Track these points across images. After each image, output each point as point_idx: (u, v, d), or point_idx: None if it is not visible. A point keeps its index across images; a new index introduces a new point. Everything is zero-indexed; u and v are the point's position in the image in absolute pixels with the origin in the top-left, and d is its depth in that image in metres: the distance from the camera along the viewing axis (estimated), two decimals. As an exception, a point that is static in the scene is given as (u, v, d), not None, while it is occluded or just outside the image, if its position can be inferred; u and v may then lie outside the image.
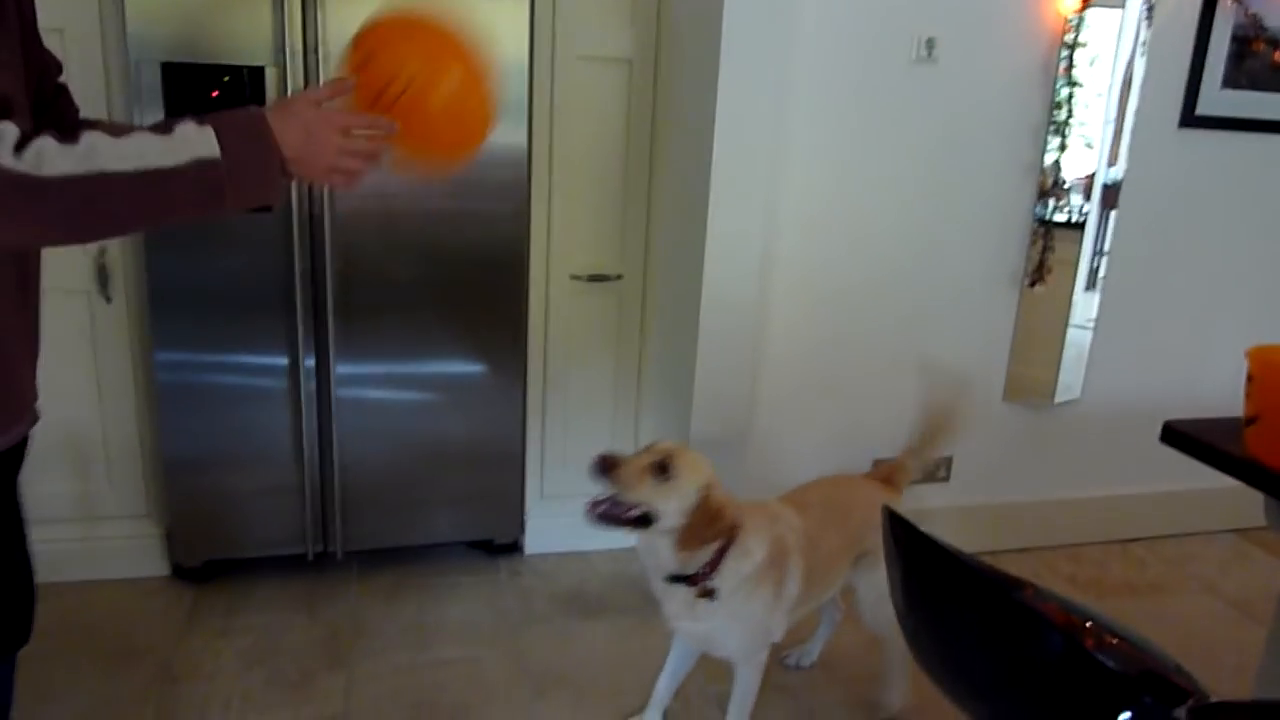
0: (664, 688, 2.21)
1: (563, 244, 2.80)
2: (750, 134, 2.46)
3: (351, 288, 2.56)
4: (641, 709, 2.25)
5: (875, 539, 2.11)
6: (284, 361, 2.58)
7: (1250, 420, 1.49)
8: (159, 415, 2.56)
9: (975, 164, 2.80)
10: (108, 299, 2.53)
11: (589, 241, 2.83)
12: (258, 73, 2.38)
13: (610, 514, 1.81)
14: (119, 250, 2.51)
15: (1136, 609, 2.93)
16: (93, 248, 2.48)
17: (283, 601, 2.67)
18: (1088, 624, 1.50)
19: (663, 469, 1.81)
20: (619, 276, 2.86)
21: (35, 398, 1.35)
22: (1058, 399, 3.10)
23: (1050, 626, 1.30)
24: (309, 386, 2.60)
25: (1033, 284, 2.92)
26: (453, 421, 2.76)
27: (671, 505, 1.80)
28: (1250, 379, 1.48)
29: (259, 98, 2.38)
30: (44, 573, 2.68)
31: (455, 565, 2.90)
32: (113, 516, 2.71)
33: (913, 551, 1.46)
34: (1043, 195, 2.87)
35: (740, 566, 1.90)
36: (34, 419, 1.35)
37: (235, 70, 2.36)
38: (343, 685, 2.33)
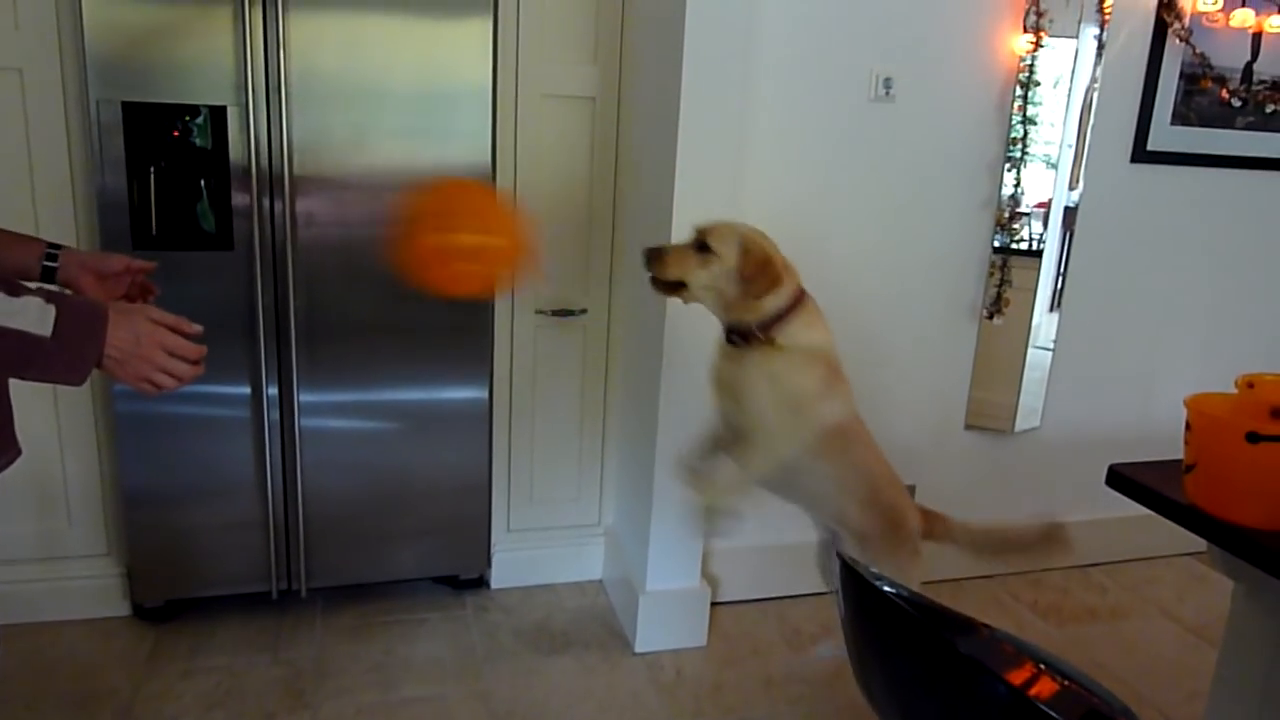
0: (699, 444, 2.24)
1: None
2: (710, 170, 2.48)
3: (315, 317, 2.56)
4: None
5: (883, 506, 2.13)
6: (246, 391, 2.57)
7: (1189, 468, 1.53)
8: (117, 449, 2.54)
9: (933, 199, 2.85)
10: (67, 337, 2.51)
11: (554, 276, 2.85)
12: (220, 111, 2.38)
13: (662, 284, 2.03)
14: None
15: (1097, 635, 2.97)
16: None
17: (245, 641, 2.64)
18: (1037, 667, 1.53)
19: (702, 247, 1.96)
20: (583, 311, 2.88)
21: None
22: (1018, 426, 3.15)
23: (995, 677, 1.32)
24: (272, 416, 2.59)
25: (990, 316, 2.97)
26: (418, 454, 2.76)
27: (714, 271, 1.95)
28: (1188, 428, 1.51)
29: (221, 137, 2.38)
30: (4, 614, 2.67)
31: (421, 601, 2.89)
32: (73, 556, 2.68)
33: (861, 597, 1.48)
34: (999, 226, 2.93)
35: (802, 334, 1.98)
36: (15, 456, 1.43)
37: (195, 110, 2.36)
38: (306, 727, 2.32)
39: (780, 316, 1.97)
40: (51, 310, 1.14)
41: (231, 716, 2.33)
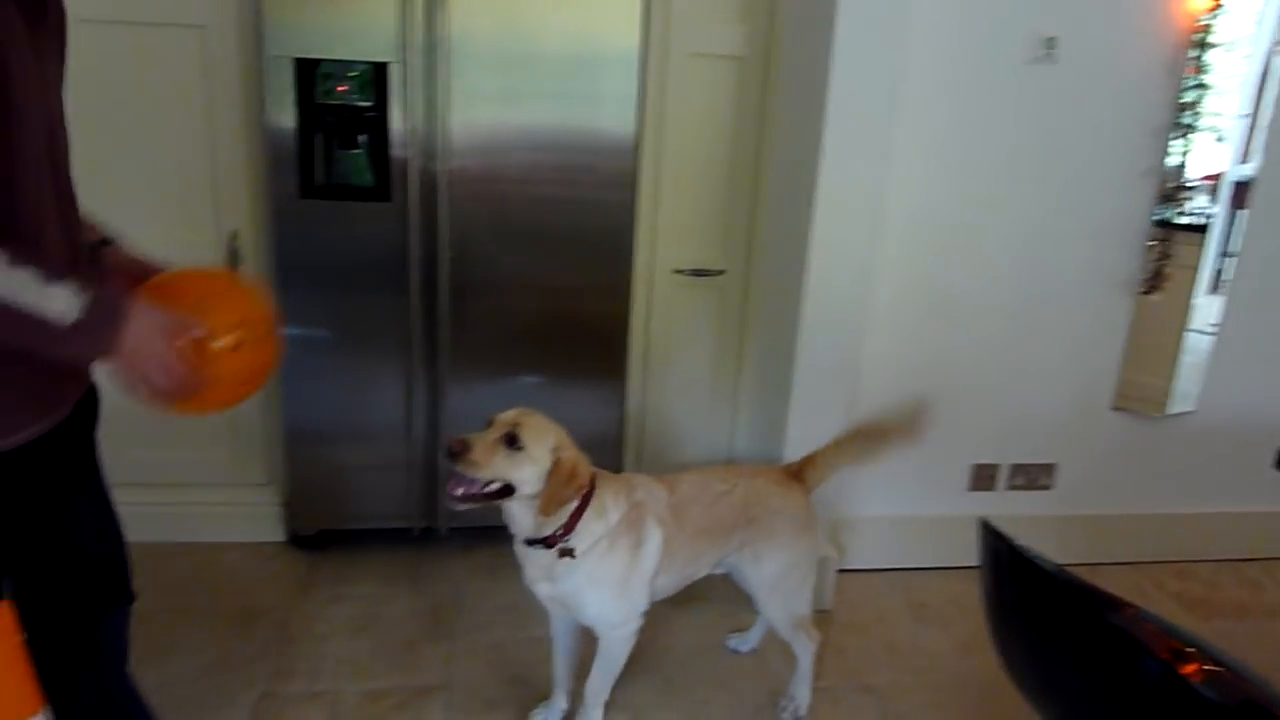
0: (560, 669, 2.22)
1: (667, 237, 2.84)
2: (859, 134, 2.44)
3: (464, 271, 2.66)
4: (735, 691, 2.33)
5: (758, 528, 2.14)
6: (398, 342, 2.70)
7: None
8: (283, 389, 2.71)
9: (1092, 167, 2.73)
10: (238, 280, 2.69)
11: (693, 236, 2.87)
12: (382, 69, 2.48)
13: (471, 494, 1.83)
14: (249, 232, 2.66)
15: (1247, 632, 2.82)
16: (225, 229, 2.64)
17: (389, 573, 2.80)
18: (1188, 649, 1.47)
19: (512, 440, 1.82)
20: (721, 272, 2.89)
21: (81, 382, 1.45)
22: (1172, 409, 3.00)
23: (1146, 652, 1.29)
24: (420, 367, 2.72)
25: (1148, 291, 2.83)
26: (554, 407, 2.80)
27: (526, 473, 1.83)
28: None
29: (383, 94, 2.49)
30: (170, 533, 2.90)
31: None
32: (237, 484, 2.89)
33: (1006, 565, 1.46)
34: (1163, 198, 2.78)
35: (595, 526, 1.92)
36: (82, 392, 1.44)
37: (360, 66, 2.47)
38: (443, 656, 2.44)
39: (576, 516, 1.90)
40: (78, 303, 1.15)
41: (376, 640, 2.48)
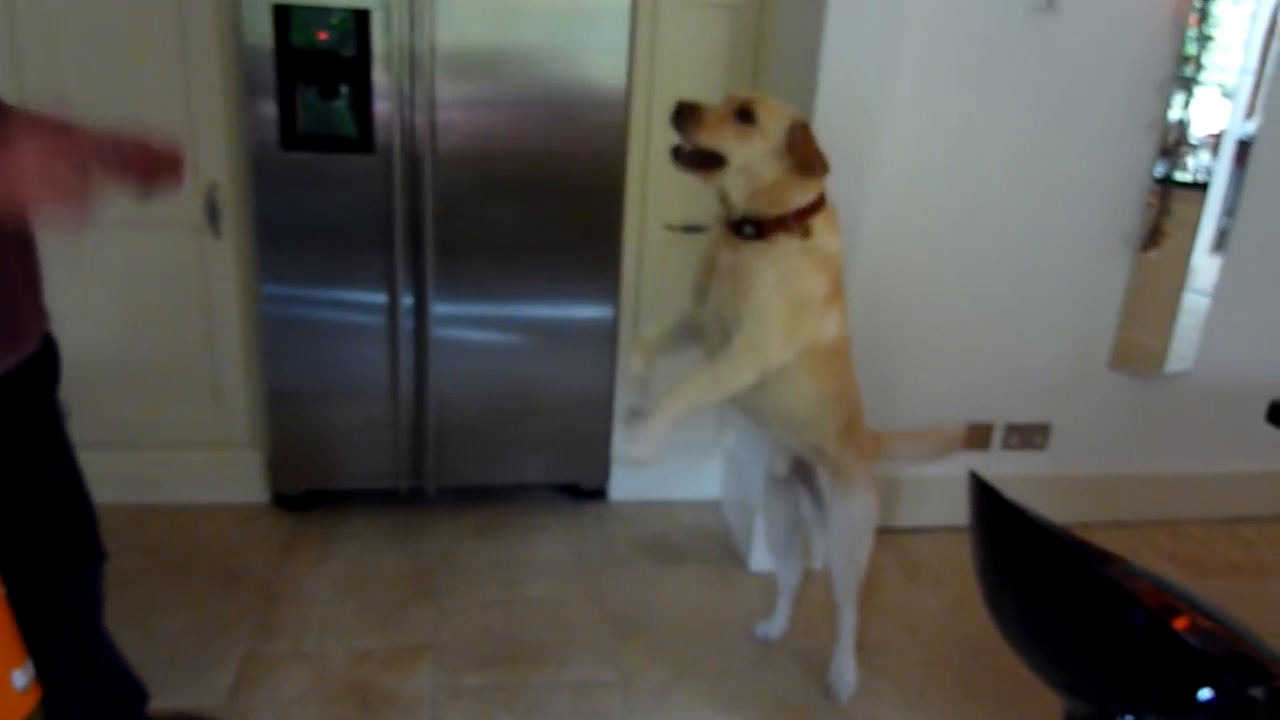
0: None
1: (658, 192, 2.78)
2: (855, 85, 2.38)
3: (450, 227, 2.60)
4: (725, 650, 2.31)
5: (855, 433, 2.05)
6: (384, 299, 2.64)
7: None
8: (264, 347, 2.66)
9: (1092, 120, 2.66)
10: (217, 234, 2.63)
11: (685, 191, 2.80)
12: (364, 15, 2.40)
13: (691, 157, 1.78)
14: (228, 185, 2.59)
15: (1240, 591, 2.81)
16: (203, 182, 2.57)
17: (376, 533, 2.77)
18: (1178, 603, 1.45)
19: (745, 115, 1.75)
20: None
21: (41, 321, 1.43)
22: (1168, 368, 2.97)
23: (1135, 601, 1.27)
24: (406, 324, 2.66)
25: (1146, 248, 2.78)
26: (544, 365, 2.79)
27: (753, 147, 1.76)
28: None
29: (365, 41, 2.41)
30: (153, 494, 2.87)
31: (542, 507, 2.96)
32: (219, 443, 2.84)
33: (996, 518, 1.43)
34: (1164, 154, 2.73)
35: (825, 233, 1.84)
36: (40, 340, 1.42)
37: (340, 12, 2.40)
38: (432, 616, 2.41)
39: (809, 211, 1.82)
40: None
41: (363, 601, 2.45)
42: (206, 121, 2.54)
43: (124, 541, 2.64)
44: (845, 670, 2.24)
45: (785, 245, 1.81)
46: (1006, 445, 2.95)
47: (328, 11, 2.39)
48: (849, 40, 2.33)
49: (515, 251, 2.67)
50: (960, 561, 2.81)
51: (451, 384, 2.75)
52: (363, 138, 2.49)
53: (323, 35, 2.41)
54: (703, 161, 1.78)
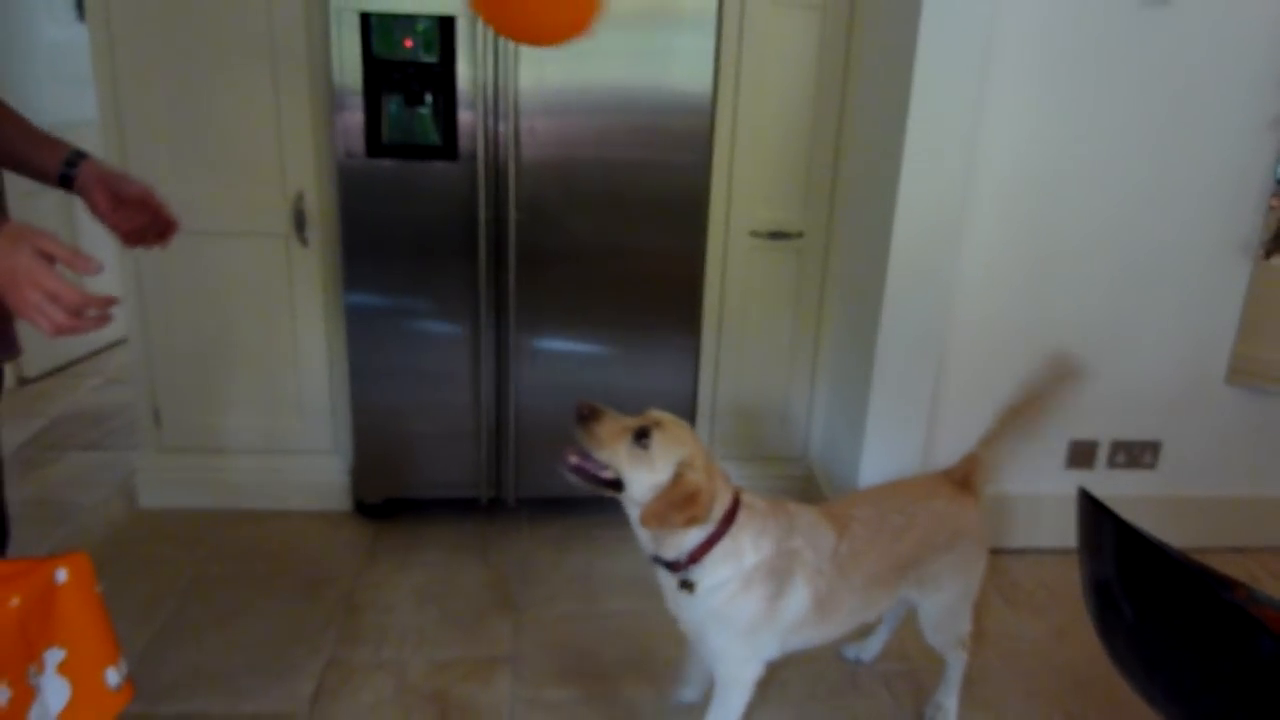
0: (693, 666, 2.11)
1: (744, 198, 2.72)
2: (951, 84, 2.29)
3: (533, 235, 2.58)
4: (812, 672, 2.20)
5: (937, 561, 1.90)
6: (467, 307, 2.63)
7: None
8: (349, 356, 2.67)
9: (1207, 118, 2.51)
10: (304, 242, 2.65)
11: (771, 197, 2.74)
12: (448, 22, 2.40)
13: (582, 469, 1.66)
14: (316, 196, 2.62)
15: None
16: (291, 191, 2.60)
17: (457, 543, 2.75)
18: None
19: (642, 435, 1.63)
20: (800, 234, 2.76)
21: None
22: (1289, 385, 2.78)
23: (1262, 629, 1.16)
24: (489, 333, 2.65)
25: (1268, 254, 2.61)
26: (626, 375, 2.75)
27: (640, 475, 1.63)
28: None
29: (449, 49, 2.41)
30: (238, 500, 2.90)
31: (622, 518, 2.86)
32: (304, 451, 2.86)
33: (1109, 539, 1.33)
34: (1287, 155, 2.56)
35: (724, 567, 1.69)
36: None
37: (428, 20, 2.40)
38: (511, 628, 2.38)
39: (706, 547, 1.67)
40: None
41: (443, 611, 2.43)
42: (295, 131, 2.57)
43: (210, 546, 2.69)
44: (948, 707, 2.12)
45: (701, 592, 1.70)
46: (1113, 464, 2.79)
47: (413, 19, 2.40)
48: (944, 38, 2.25)
49: (598, 260, 2.63)
50: (1061, 585, 2.67)
51: (532, 394, 2.73)
52: (447, 145, 2.49)
53: (408, 43, 2.41)
54: (597, 478, 1.66)
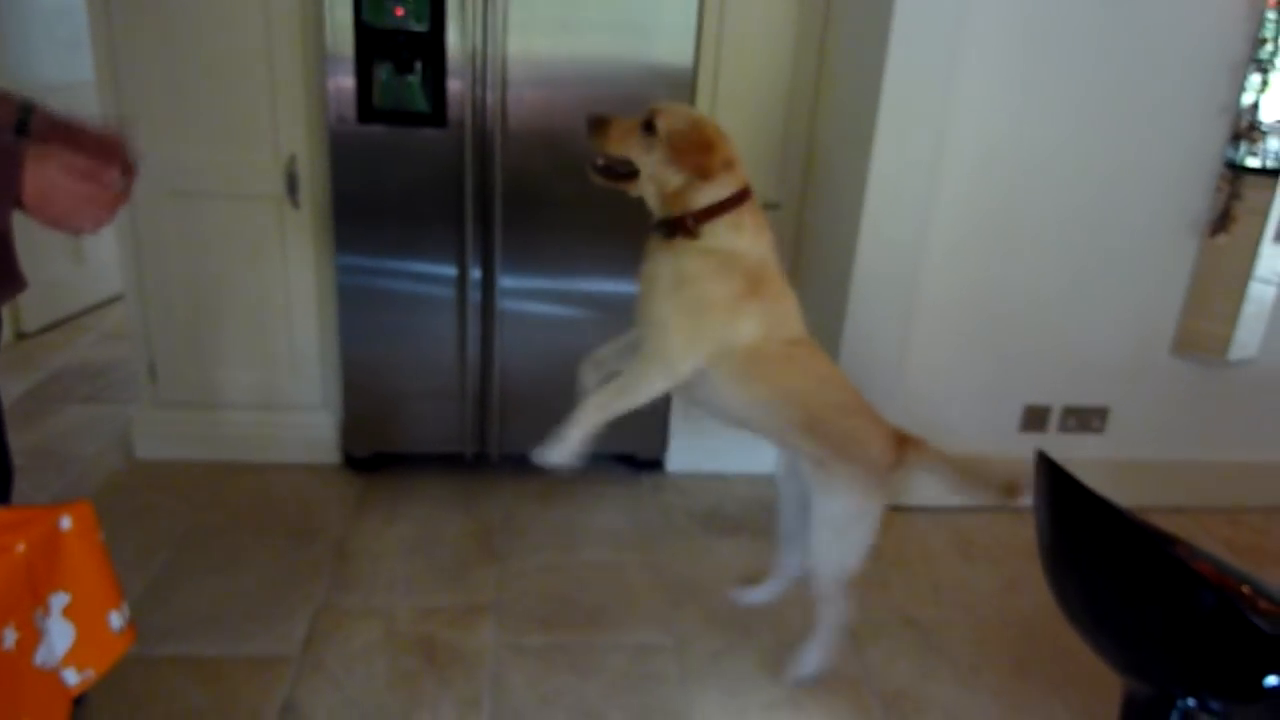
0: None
1: (722, 170, 2.81)
2: (922, 62, 2.40)
3: (518, 201, 2.66)
4: (778, 620, 2.34)
5: (834, 459, 1.91)
6: (453, 271, 2.72)
7: None
8: (339, 315, 2.75)
9: (1162, 101, 2.64)
10: (296, 204, 2.72)
11: (748, 169, 2.82)
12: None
13: (607, 168, 1.88)
14: (307, 159, 2.68)
15: (1298, 580, 2.79)
16: (284, 155, 2.67)
17: (442, 496, 2.87)
18: (1242, 586, 1.47)
19: (649, 125, 1.81)
20: (776, 205, 2.86)
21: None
22: (1232, 356, 2.94)
23: (1203, 583, 1.29)
24: (474, 295, 2.74)
25: (1214, 233, 2.76)
26: (605, 333, 2.83)
27: (656, 156, 1.82)
28: None
29: (439, 17, 2.47)
30: (231, 452, 2.99)
31: (601, 475, 3.03)
32: (294, 406, 2.96)
33: (1063, 498, 1.46)
34: (1236, 138, 2.69)
35: (724, 234, 1.81)
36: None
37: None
38: (494, 577, 2.51)
39: (711, 212, 1.81)
40: None
41: (430, 560, 2.55)
42: (288, 96, 2.63)
43: (205, 497, 2.78)
44: (809, 658, 2.16)
45: (681, 247, 1.82)
46: (1064, 428, 2.95)
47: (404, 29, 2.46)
48: (917, 17, 2.35)
49: (580, 227, 2.72)
50: (1014, 540, 2.83)
51: (516, 354, 2.83)
52: (436, 112, 2.56)
53: (399, 11, 2.47)
54: (618, 173, 1.88)
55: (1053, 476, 1.46)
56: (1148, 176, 2.71)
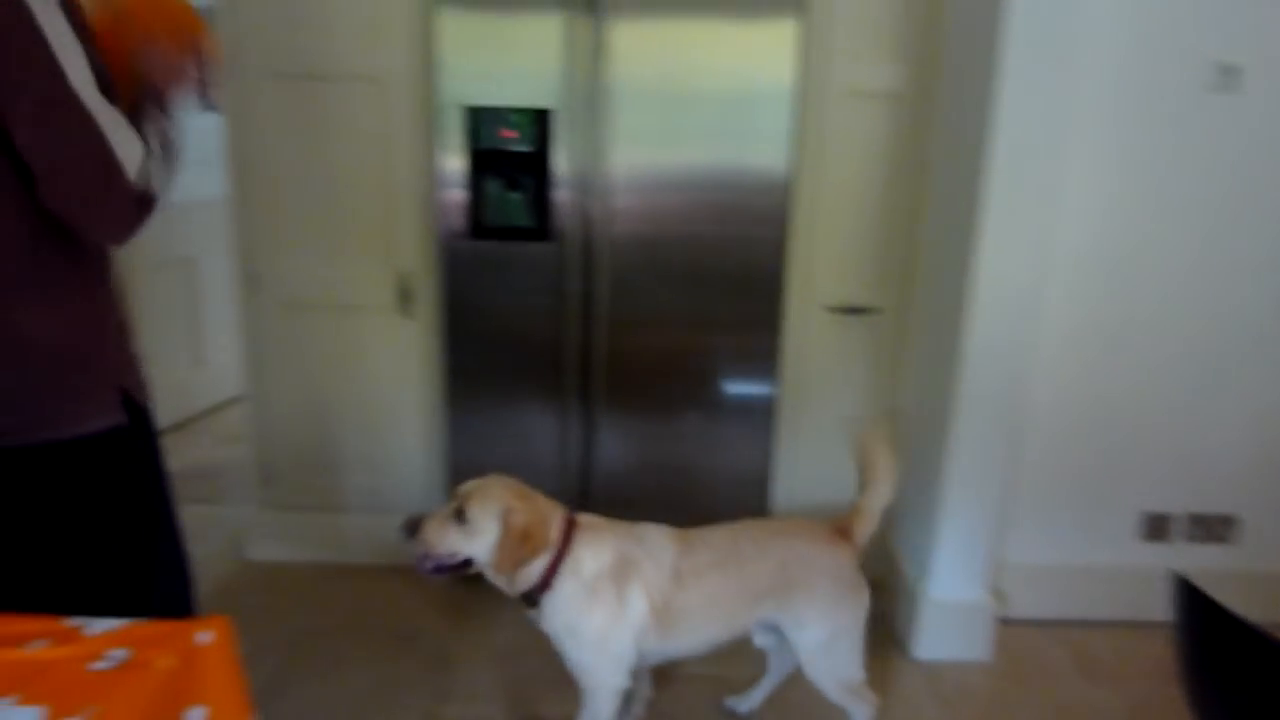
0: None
1: (822, 274, 2.83)
2: (1025, 169, 2.38)
3: (620, 307, 2.73)
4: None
5: (796, 598, 1.97)
6: (556, 378, 2.79)
7: None
8: (446, 422, 2.83)
9: (1271, 198, 2.57)
10: (408, 315, 2.83)
11: (848, 273, 2.84)
12: (544, 114, 2.58)
13: (438, 567, 1.88)
14: (419, 270, 2.80)
15: None
16: (398, 269, 2.79)
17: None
18: None
19: (460, 514, 1.83)
20: (878, 310, 2.85)
21: (136, 383, 1.54)
22: (1370, 460, 2.77)
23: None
24: (576, 400, 2.79)
25: (1346, 332, 2.63)
26: (706, 444, 2.86)
27: (476, 545, 1.84)
28: None
29: (544, 138, 2.59)
30: (338, 554, 3.05)
31: (700, 583, 2.98)
32: (399, 510, 3.00)
33: (1205, 625, 1.38)
34: (1362, 233, 2.59)
35: (569, 583, 1.88)
36: (129, 408, 1.51)
37: (527, 112, 2.58)
38: (595, 688, 2.47)
39: (548, 577, 1.88)
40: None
41: (531, 668, 2.53)
42: (402, 213, 2.77)
43: (315, 599, 2.84)
44: None
45: (550, 608, 1.89)
46: (1189, 537, 2.81)
47: (513, 112, 2.58)
48: (1019, 125, 2.34)
49: (681, 331, 2.76)
50: (1139, 658, 2.68)
51: (616, 459, 2.85)
52: (541, 226, 2.66)
53: (508, 134, 2.60)
54: (449, 566, 1.88)
55: (1191, 601, 1.38)
56: (1267, 271, 2.62)
